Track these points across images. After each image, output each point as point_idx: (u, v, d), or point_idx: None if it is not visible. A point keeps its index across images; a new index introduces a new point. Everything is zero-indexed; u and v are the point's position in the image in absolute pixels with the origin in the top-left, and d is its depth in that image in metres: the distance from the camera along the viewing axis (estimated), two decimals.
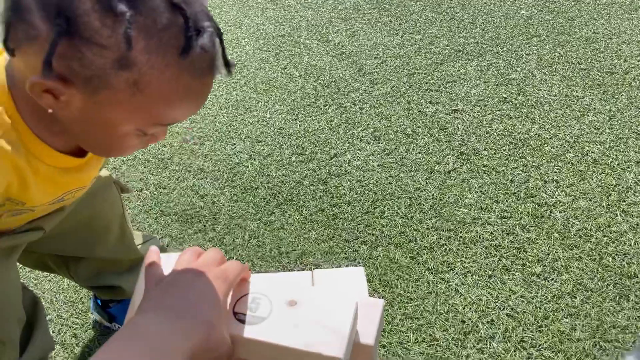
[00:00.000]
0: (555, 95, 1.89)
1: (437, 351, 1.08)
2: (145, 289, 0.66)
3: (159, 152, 1.70)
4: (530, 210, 1.41)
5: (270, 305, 0.78)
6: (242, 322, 0.72)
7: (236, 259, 1.32)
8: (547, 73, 2.02)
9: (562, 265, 1.25)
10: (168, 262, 0.83)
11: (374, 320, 0.91)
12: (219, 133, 1.79)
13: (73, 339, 1.14)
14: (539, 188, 1.48)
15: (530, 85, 1.96)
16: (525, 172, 1.54)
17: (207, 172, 1.62)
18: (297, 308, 0.79)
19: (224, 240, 1.37)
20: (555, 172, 1.54)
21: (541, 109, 1.82)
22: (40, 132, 0.67)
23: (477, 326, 1.12)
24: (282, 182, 1.56)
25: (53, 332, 1.15)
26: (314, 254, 1.32)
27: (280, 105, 1.93)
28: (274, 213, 1.45)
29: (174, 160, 1.67)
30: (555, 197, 1.45)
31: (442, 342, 1.09)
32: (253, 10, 2.66)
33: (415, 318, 1.14)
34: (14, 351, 0.88)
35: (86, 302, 1.22)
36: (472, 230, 1.36)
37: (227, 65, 0.64)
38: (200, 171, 1.63)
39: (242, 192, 1.53)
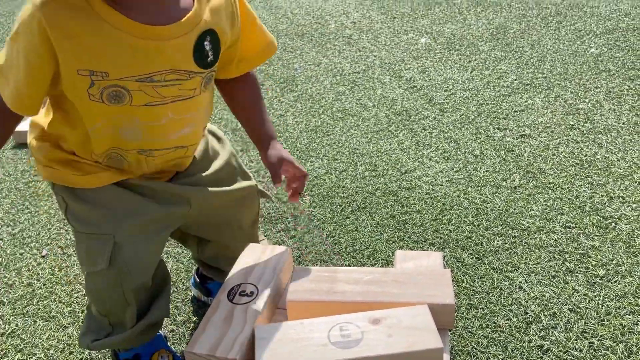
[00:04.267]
0: (623, 123, 1.94)
1: (500, 336, 1.15)
2: None
3: (246, 167, 1.90)
4: (595, 222, 1.46)
5: (358, 328, 0.92)
6: (342, 348, 0.87)
7: (315, 253, 1.46)
8: (615, 103, 2.08)
9: (625, 270, 1.29)
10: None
11: (448, 284, 1.02)
12: (299, 152, 1.98)
13: (175, 310, 1.31)
14: (605, 203, 1.53)
15: (598, 114, 2.02)
16: (590, 190, 1.60)
17: None
18: (382, 323, 0.93)
19: (304, 238, 1.52)
20: (622, 190, 1.58)
21: (609, 135, 1.88)
22: (116, 7, 0.80)
23: (539, 317, 1.18)
24: (356, 192, 1.70)
25: None
26: (385, 252, 1.43)
27: (355, 130, 2.09)
28: (349, 218, 1.59)
29: (260, 174, 1.85)
30: (621, 211, 1.49)
31: (505, 329, 1.16)
32: (331, 51, 2.90)
33: (480, 308, 1.22)
34: (134, 312, 1.05)
35: (186, 282, 1.39)
36: (536, 237, 1.43)
37: None
38: (282, 182, 1.80)
39: (320, 200, 1.68)
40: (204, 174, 1.08)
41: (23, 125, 2.18)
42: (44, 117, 0.98)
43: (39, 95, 0.86)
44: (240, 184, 1.13)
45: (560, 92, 2.22)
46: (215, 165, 1.11)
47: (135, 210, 1.00)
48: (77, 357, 1.21)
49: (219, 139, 1.17)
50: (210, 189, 1.07)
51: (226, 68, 1.01)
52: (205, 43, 0.89)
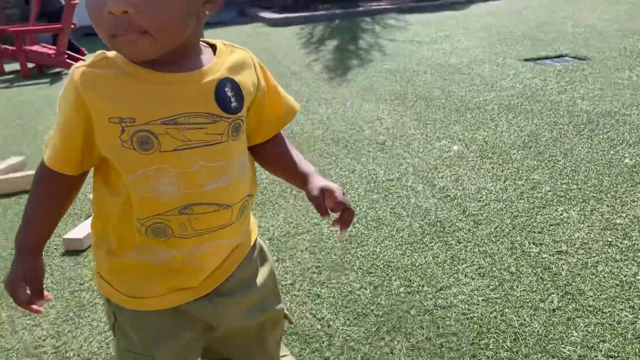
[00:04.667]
0: None
1: None
2: None
3: (282, 278, 1.93)
4: (637, 351, 1.42)
5: None
6: None
7: None
8: None
9: None
10: None
11: None
12: (334, 264, 2.01)
13: None
14: None
15: (637, 231, 2.00)
16: (632, 314, 1.56)
17: (323, 298, 1.81)
18: None
19: None
20: None
21: None
22: (143, 64, 0.92)
23: None
24: (391, 310, 1.70)
25: None
26: None
27: (389, 241, 2.12)
28: (384, 339, 1.58)
29: (295, 287, 1.88)
30: None
31: None
32: (365, 157, 3.00)
33: None
34: None
35: None
36: None
37: None
38: (318, 297, 1.82)
39: (355, 318, 1.69)
40: (242, 295, 1.11)
41: (72, 233, 2.31)
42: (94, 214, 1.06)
43: (73, 149, 0.95)
44: (270, 310, 1.17)
45: (596, 205, 2.22)
46: (258, 282, 1.14)
47: (172, 334, 1.05)
48: None
49: (264, 257, 1.20)
50: (241, 321, 1.11)
51: (257, 133, 1.09)
52: (226, 89, 0.97)
